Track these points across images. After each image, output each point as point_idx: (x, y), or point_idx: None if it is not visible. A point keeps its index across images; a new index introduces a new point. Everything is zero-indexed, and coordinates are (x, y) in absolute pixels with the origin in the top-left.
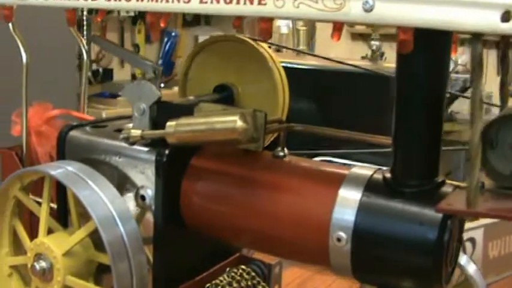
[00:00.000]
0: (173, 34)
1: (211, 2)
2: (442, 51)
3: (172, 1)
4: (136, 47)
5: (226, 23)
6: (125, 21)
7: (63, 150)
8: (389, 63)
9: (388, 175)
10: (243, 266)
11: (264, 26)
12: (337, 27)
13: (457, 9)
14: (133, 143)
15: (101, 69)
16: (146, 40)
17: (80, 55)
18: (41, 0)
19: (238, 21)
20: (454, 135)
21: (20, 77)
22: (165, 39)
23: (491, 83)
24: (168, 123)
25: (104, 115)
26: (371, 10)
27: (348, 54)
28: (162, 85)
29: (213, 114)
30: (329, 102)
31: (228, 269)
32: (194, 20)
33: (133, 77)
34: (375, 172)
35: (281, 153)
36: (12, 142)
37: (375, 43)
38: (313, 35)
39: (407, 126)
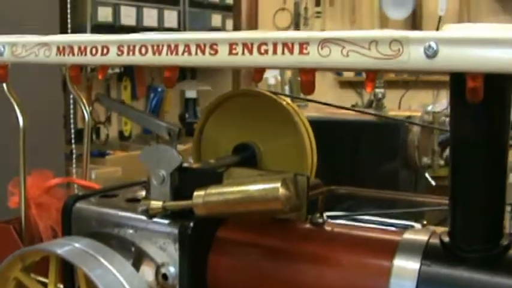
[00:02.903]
0: (159, 90)
1: (243, 54)
2: (504, 100)
3: (196, 54)
4: (122, 103)
5: (213, 77)
6: (110, 79)
7: (69, 224)
8: (392, 111)
9: (446, 239)
10: None
11: (306, 78)
12: (370, 77)
13: None
14: (153, 216)
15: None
16: (132, 97)
17: (65, 115)
18: (41, 57)
19: (259, 74)
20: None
21: (16, 142)
22: (151, 95)
23: None
24: (196, 193)
25: (93, 175)
26: (434, 56)
27: (337, 102)
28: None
29: (248, 181)
30: (334, 154)
31: None
32: (180, 75)
33: (121, 134)
34: (431, 236)
35: (320, 220)
36: (9, 215)
37: (379, 91)
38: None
39: (467, 183)
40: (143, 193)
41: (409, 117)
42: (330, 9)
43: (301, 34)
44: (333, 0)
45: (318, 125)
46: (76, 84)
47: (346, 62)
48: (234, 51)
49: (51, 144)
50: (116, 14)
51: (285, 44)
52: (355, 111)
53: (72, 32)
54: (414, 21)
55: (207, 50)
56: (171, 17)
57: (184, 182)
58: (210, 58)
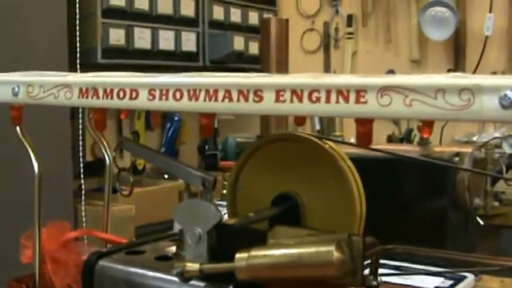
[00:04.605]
0: (176, 119)
1: (291, 101)
2: None
3: (239, 100)
4: (135, 134)
5: None
6: None
7: (91, 285)
8: (437, 147)
9: None
10: None
11: (363, 129)
12: (428, 122)
13: None
14: (189, 280)
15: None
16: (146, 127)
17: (74, 147)
18: (61, 99)
19: (302, 118)
20: (500, 219)
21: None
22: (168, 125)
23: None
24: (239, 255)
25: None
26: (511, 106)
27: (374, 133)
28: (166, 176)
29: (297, 243)
30: (376, 193)
31: None
32: None
33: (135, 168)
34: None
35: (374, 282)
36: (21, 271)
37: None
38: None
39: None
40: (173, 248)
41: (457, 154)
42: (362, 29)
43: (358, 80)
44: (366, 20)
45: (356, 162)
46: (100, 131)
47: (409, 112)
48: (281, 99)
49: (58, 179)
50: (129, 36)
51: (339, 92)
52: (402, 157)
53: (82, 56)
54: (457, 42)
55: (251, 96)
56: (189, 39)
57: (223, 241)
58: (253, 105)
